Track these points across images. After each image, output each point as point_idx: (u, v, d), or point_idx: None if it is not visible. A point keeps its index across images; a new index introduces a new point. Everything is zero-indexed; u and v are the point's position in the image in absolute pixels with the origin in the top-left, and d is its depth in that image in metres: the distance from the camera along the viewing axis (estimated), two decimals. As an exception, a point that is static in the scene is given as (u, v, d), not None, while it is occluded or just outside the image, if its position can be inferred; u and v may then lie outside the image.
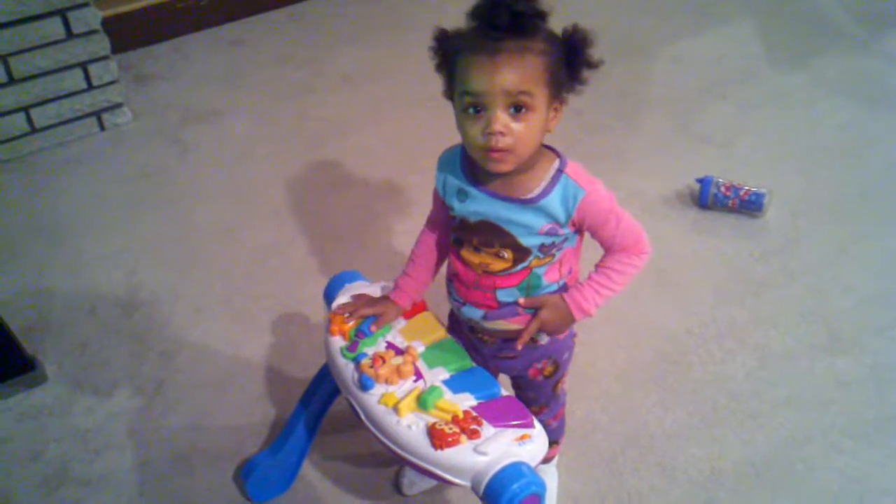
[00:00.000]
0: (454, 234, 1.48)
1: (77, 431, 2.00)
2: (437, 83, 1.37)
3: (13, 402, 2.05)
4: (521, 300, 1.45)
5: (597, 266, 1.45)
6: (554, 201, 1.35)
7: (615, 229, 1.40)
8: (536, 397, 1.65)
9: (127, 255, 2.42)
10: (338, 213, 2.55)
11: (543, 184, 1.35)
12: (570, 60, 1.29)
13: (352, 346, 1.53)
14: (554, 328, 1.47)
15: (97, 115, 2.84)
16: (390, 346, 1.53)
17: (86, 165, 2.73)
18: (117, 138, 2.84)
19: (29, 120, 2.73)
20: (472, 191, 1.39)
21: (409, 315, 1.61)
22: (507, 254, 1.41)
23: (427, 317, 1.61)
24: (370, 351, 1.51)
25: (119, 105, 2.86)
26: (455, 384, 1.47)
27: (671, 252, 2.40)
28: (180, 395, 2.07)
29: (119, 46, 3.00)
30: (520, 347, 1.47)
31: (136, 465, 1.92)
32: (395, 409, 1.42)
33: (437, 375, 1.48)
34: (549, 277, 1.44)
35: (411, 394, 1.44)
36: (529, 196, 1.36)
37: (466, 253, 1.45)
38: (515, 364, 1.57)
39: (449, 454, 1.36)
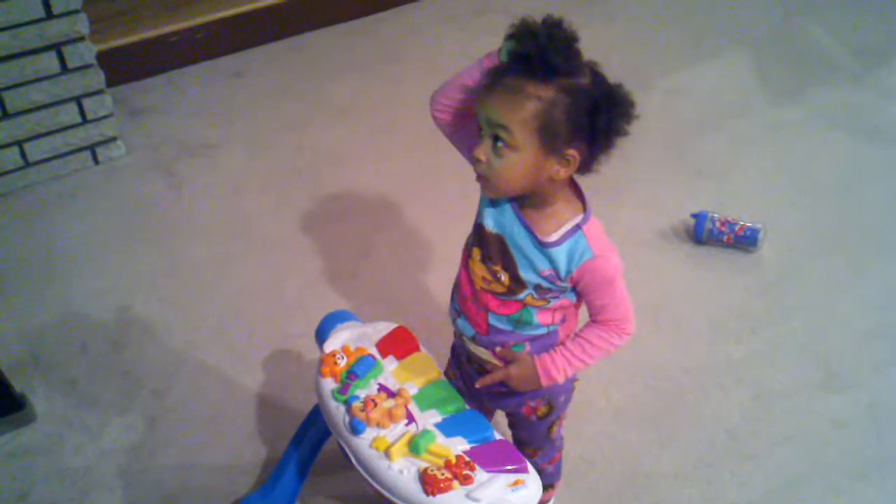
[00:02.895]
0: (470, 238, 1.47)
1: (65, 471, 1.97)
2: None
3: (1, 441, 2.03)
4: (498, 349, 1.47)
5: (576, 334, 1.45)
6: (561, 253, 1.35)
7: (607, 300, 1.40)
8: (530, 439, 1.64)
9: (119, 290, 2.40)
10: (332, 248, 2.53)
11: (561, 232, 1.35)
12: (591, 121, 1.27)
13: (343, 389, 1.51)
14: (518, 385, 1.48)
15: (91, 149, 2.82)
16: (382, 388, 1.51)
17: (79, 199, 2.71)
18: (111, 172, 2.83)
19: (23, 154, 2.71)
20: (506, 204, 1.38)
21: (401, 355, 1.59)
22: (505, 278, 1.41)
23: (420, 357, 1.59)
24: (362, 394, 1.50)
25: (113, 139, 2.85)
26: (448, 427, 1.46)
27: (666, 288, 2.39)
28: (171, 433, 2.05)
29: (114, 80, 2.99)
30: (478, 386, 1.50)
31: (125, 507, 1.90)
32: (387, 453, 1.40)
33: (430, 418, 1.47)
34: (542, 319, 1.43)
35: (403, 438, 1.43)
36: (544, 239, 1.35)
37: (472, 261, 1.45)
38: (508, 401, 1.56)
39: (441, 500, 1.34)
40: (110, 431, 2.06)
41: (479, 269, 1.44)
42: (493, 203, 1.40)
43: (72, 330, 2.30)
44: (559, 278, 1.37)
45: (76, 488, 1.94)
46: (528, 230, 1.37)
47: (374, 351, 1.58)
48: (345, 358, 1.56)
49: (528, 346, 1.46)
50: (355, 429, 1.44)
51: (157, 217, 2.66)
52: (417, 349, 1.61)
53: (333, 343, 1.60)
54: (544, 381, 1.45)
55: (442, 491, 1.35)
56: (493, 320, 1.45)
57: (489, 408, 1.63)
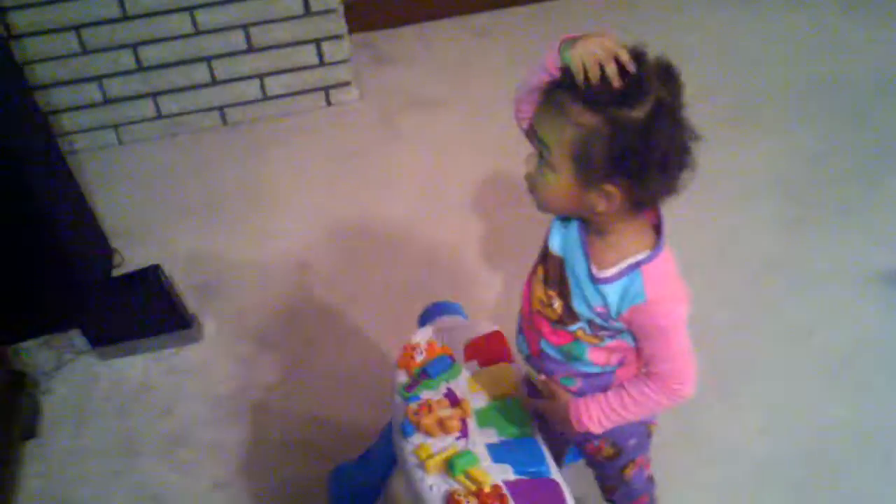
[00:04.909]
0: (539, 254, 1.36)
1: (210, 395, 2.10)
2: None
3: (166, 354, 2.20)
4: (540, 378, 1.37)
5: (623, 383, 1.27)
6: (614, 291, 1.20)
7: (657, 350, 1.23)
8: (604, 478, 1.49)
9: (309, 234, 2.49)
10: (512, 228, 2.44)
11: (619, 267, 1.20)
12: (635, 159, 1.10)
13: (411, 385, 1.46)
14: (552, 422, 1.36)
15: (325, 90, 2.93)
16: (449, 394, 1.44)
17: (303, 138, 2.84)
18: (339, 115, 2.92)
19: (262, 87, 2.88)
20: (574, 223, 1.26)
21: (486, 362, 1.50)
22: (558, 306, 1.28)
23: (505, 369, 1.49)
24: (425, 395, 1.43)
25: (347, 83, 2.94)
26: (500, 452, 1.36)
27: (864, 336, 2.07)
28: (307, 383, 2.10)
29: (364, 25, 3.09)
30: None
31: (246, 442, 1.99)
32: (425, 464, 1.33)
33: (484, 437, 1.38)
34: (594, 358, 1.29)
35: (446, 452, 1.35)
36: (600, 272, 1.21)
37: (535, 280, 1.34)
38: (568, 435, 1.42)
39: (458, 533, 1.26)
40: (261, 367, 2.15)
41: (538, 290, 1.31)
42: (563, 220, 1.26)
43: (255, 263, 2.42)
44: (610, 317, 1.22)
45: (213, 413, 2.06)
46: (587, 259, 1.22)
47: (458, 351, 1.51)
48: (423, 353, 1.50)
49: (579, 382, 1.33)
50: (404, 431, 1.38)
51: (366, 166, 2.72)
52: (506, 360, 1.51)
53: (422, 334, 1.54)
54: (576, 427, 1.31)
55: (462, 511, 1.26)
56: (544, 346, 1.33)
57: (560, 441, 1.50)
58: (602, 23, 3.16)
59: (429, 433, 1.37)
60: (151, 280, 2.16)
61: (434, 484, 1.32)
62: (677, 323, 1.21)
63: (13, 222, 2.02)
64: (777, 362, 2.04)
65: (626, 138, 1.08)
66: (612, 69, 1.07)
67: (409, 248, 2.42)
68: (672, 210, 1.20)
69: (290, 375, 2.13)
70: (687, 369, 1.24)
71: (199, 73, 2.81)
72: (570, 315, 1.27)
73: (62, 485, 1.93)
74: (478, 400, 1.43)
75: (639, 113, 1.07)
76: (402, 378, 1.48)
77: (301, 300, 2.32)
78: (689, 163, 1.13)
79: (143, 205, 2.63)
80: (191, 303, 2.28)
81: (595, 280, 1.21)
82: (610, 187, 1.12)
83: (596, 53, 1.08)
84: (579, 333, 1.28)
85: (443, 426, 1.37)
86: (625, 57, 1.08)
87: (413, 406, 1.40)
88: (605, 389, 1.31)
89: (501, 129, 2.73)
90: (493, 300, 2.21)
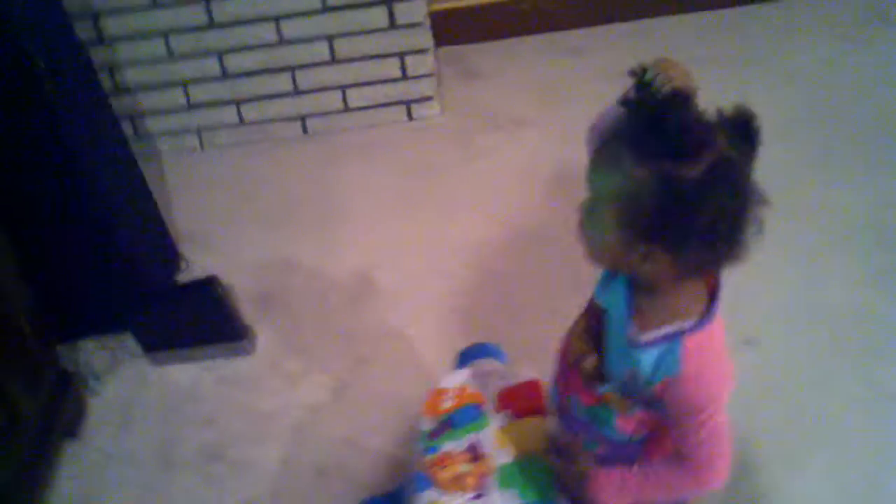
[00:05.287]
0: (586, 303, 1.26)
1: (253, 411, 2.06)
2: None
3: (217, 364, 2.18)
4: (564, 439, 1.27)
5: (649, 461, 1.16)
6: (649, 358, 1.09)
7: (689, 432, 1.11)
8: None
9: (375, 250, 2.44)
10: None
11: (659, 333, 1.09)
12: (681, 221, 0.99)
13: (434, 433, 1.38)
14: (566, 486, 1.26)
15: (407, 104, 2.88)
16: (472, 447, 1.35)
17: (381, 151, 2.79)
18: (420, 130, 2.87)
19: (344, 98, 2.85)
20: (623, 282, 1.15)
21: (520, 414, 1.41)
22: (591, 362, 1.18)
23: (538, 422, 1.40)
24: (447, 447, 1.35)
25: (429, 98, 2.88)
26: (511, 522, 1.26)
27: None
28: (354, 406, 2.05)
29: (451, 39, 3.02)
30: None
31: (282, 463, 1.95)
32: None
33: (504, 499, 1.29)
34: (622, 426, 1.18)
35: (458, 517, 1.26)
36: (636, 334, 1.11)
37: (576, 330, 1.25)
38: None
39: None
40: (307, 386, 2.11)
41: (577, 341, 1.22)
42: (605, 283, 1.16)
43: (320, 276, 2.39)
44: (642, 385, 1.10)
45: (253, 429, 2.02)
46: (629, 318, 1.11)
47: (490, 400, 1.42)
48: (453, 400, 1.42)
49: (603, 448, 1.22)
50: (417, 484, 1.31)
51: (441, 184, 2.65)
52: (542, 412, 1.41)
53: (453, 379, 1.47)
54: (592, 499, 1.20)
55: None
56: (573, 403, 1.23)
57: None
58: (707, 43, 3.01)
59: (444, 488, 1.30)
60: (208, 290, 2.14)
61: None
62: (714, 404, 1.09)
63: (78, 222, 2.03)
64: (857, 429, 1.87)
65: (673, 199, 0.97)
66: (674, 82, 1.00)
67: (474, 275, 2.34)
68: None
69: (336, 397, 2.07)
70: (720, 457, 1.12)
71: (283, 82, 2.80)
72: (600, 374, 1.17)
73: (94, 490, 1.93)
74: (504, 456, 1.34)
75: (692, 171, 0.95)
76: (427, 425, 1.40)
77: (360, 318, 2.26)
78: (745, 233, 1.01)
79: (217, 211, 2.63)
80: (249, 313, 2.26)
81: (631, 342, 1.11)
82: (652, 250, 1.02)
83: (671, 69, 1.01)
84: (608, 397, 1.17)
85: (459, 483, 1.30)
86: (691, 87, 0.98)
87: (430, 458, 1.33)
88: (630, 461, 1.20)
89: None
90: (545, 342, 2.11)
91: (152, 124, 2.85)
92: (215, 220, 2.58)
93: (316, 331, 2.25)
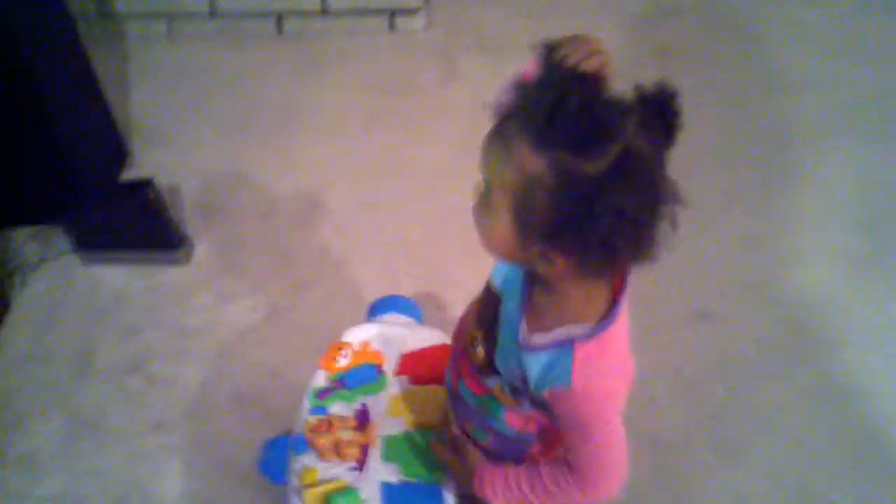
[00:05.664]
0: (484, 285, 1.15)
1: (178, 325, 1.99)
2: None
3: (149, 271, 2.09)
4: (452, 429, 1.19)
5: (538, 463, 1.07)
6: (537, 363, 0.99)
7: (579, 443, 1.02)
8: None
9: (329, 170, 2.33)
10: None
11: (550, 337, 0.99)
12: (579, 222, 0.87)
13: (323, 392, 1.30)
14: (453, 479, 1.19)
15: (391, 14, 2.72)
16: (360, 413, 1.27)
17: (355, 64, 2.65)
18: (401, 44, 2.71)
19: (324, 1, 2.68)
20: (516, 272, 1.05)
21: (420, 380, 1.32)
22: (480, 352, 1.08)
23: (439, 393, 1.31)
24: (334, 408, 1.27)
25: (415, 10, 2.71)
26: (395, 495, 1.19)
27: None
28: (282, 333, 1.97)
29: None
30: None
31: (201, 385, 1.88)
32: (302, 492, 1.18)
33: (384, 474, 1.21)
34: (511, 421, 1.10)
35: (332, 483, 1.19)
36: (526, 336, 1.01)
37: (468, 313, 1.16)
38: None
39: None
40: (238, 306, 2.03)
41: (470, 325, 1.12)
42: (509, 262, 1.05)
43: (267, 192, 2.28)
44: (529, 389, 1.01)
45: (176, 345, 1.95)
46: (521, 314, 1.01)
47: (391, 362, 1.33)
48: (350, 357, 1.33)
49: (491, 439, 1.14)
50: (295, 446, 1.23)
51: (412, 106, 2.52)
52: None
53: (355, 334, 1.38)
54: (477, 492, 1.13)
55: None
56: (462, 388, 1.14)
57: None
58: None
59: (321, 456, 1.22)
60: (146, 193, 2.04)
61: (308, 516, 1.16)
62: (606, 417, 1.00)
63: (11, 102, 1.91)
64: (798, 421, 1.79)
65: (571, 197, 0.85)
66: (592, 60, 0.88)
67: (427, 207, 2.23)
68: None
69: (266, 321, 1.99)
70: (609, 472, 1.03)
71: (261, -26, 2.63)
72: (490, 367, 1.07)
73: (6, 388, 1.86)
74: (393, 425, 1.26)
75: (594, 167, 0.83)
76: (319, 381, 1.32)
77: (304, 241, 2.17)
78: (654, 233, 0.89)
79: (175, 107, 2.51)
80: (191, 221, 2.17)
81: (521, 343, 1.00)
82: (549, 251, 0.90)
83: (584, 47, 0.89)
84: (496, 390, 1.08)
85: (338, 451, 1.22)
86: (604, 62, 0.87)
87: (312, 420, 1.25)
88: (519, 455, 1.12)
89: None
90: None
91: (119, 3, 2.68)
92: (172, 118, 2.46)
93: (256, 249, 2.15)
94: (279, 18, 2.72)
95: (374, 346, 1.35)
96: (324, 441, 1.22)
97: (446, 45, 2.70)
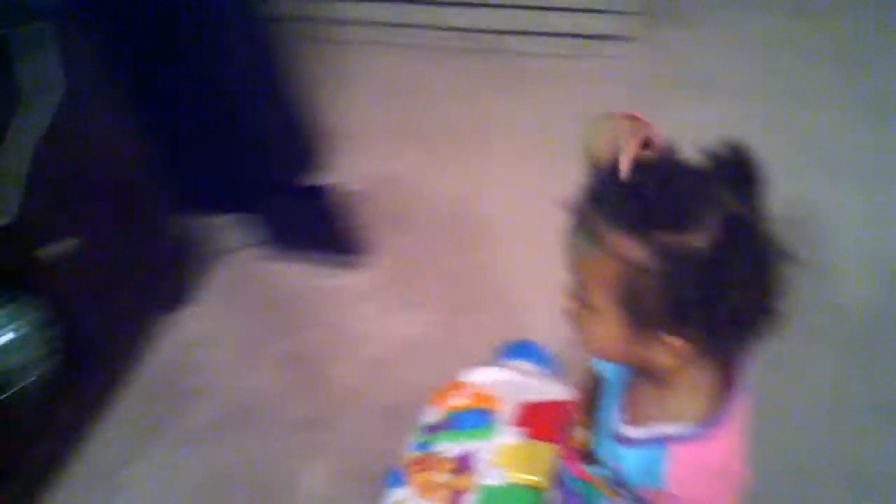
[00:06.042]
0: None
1: (343, 331, 2.06)
2: None
3: (324, 273, 2.17)
4: None
5: None
6: (632, 458, 0.94)
7: None
8: None
9: (517, 193, 2.30)
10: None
11: (644, 432, 0.94)
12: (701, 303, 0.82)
13: (432, 428, 1.31)
14: None
15: (597, 39, 2.68)
16: (462, 457, 1.26)
17: (555, 86, 2.62)
18: (600, 71, 2.64)
19: (537, 20, 2.69)
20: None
21: (538, 435, 1.29)
22: (581, 437, 1.05)
23: (548, 451, 1.28)
24: (437, 447, 1.28)
25: (623, 38, 2.66)
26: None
27: None
28: (438, 354, 1.96)
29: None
30: None
31: (354, 390, 1.93)
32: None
33: (470, 523, 1.20)
34: None
35: (418, 527, 1.20)
36: (623, 427, 0.96)
37: (580, 385, 1.11)
38: None
39: None
40: (400, 318, 2.06)
41: (576, 404, 1.08)
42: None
43: (449, 208, 2.32)
44: (629, 483, 0.97)
45: (338, 348, 2.01)
46: (619, 404, 0.97)
47: (508, 410, 1.32)
48: (466, 398, 1.33)
49: None
50: (391, 478, 1.25)
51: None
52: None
53: (478, 375, 1.37)
54: None
55: None
56: (564, 466, 1.10)
57: None
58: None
59: (415, 492, 1.23)
60: (329, 197, 2.14)
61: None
62: None
63: (210, 98, 2.04)
64: None
65: (683, 277, 0.80)
66: (626, 156, 0.82)
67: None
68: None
69: (425, 339, 2.02)
70: None
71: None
72: (591, 454, 1.03)
73: (179, 368, 2.00)
74: (495, 476, 1.24)
75: (699, 239, 0.79)
76: (429, 417, 1.33)
77: (476, 263, 2.18)
78: (778, 298, 0.84)
79: (370, 116, 2.58)
80: (374, 231, 2.21)
81: (616, 435, 0.96)
82: (671, 338, 0.85)
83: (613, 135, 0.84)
84: (597, 480, 1.04)
85: (431, 491, 1.22)
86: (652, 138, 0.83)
87: (413, 455, 1.26)
88: None
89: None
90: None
91: (321, 9, 2.79)
92: (367, 126, 2.53)
93: (430, 265, 2.19)
94: (482, 33, 2.74)
95: (494, 390, 1.34)
96: (419, 478, 1.23)
97: (646, 76, 2.63)
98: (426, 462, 1.24)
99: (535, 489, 1.23)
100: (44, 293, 1.73)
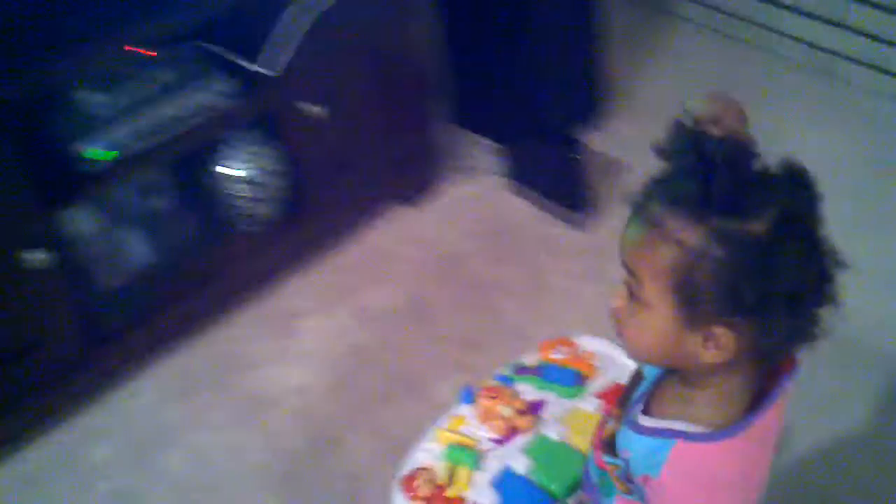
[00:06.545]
0: None
1: (542, 285, 2.12)
2: None
3: (549, 220, 2.25)
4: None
5: None
6: (639, 445, 0.95)
7: None
8: None
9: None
10: None
11: (661, 423, 0.94)
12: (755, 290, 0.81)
13: (522, 370, 1.36)
14: None
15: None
16: (533, 403, 1.31)
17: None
18: None
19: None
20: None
21: (610, 412, 1.31)
22: (610, 428, 1.06)
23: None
24: (518, 386, 1.33)
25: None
26: (507, 482, 1.23)
27: None
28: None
29: None
30: None
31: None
32: (439, 430, 1.29)
33: (512, 460, 1.25)
34: None
35: (466, 440, 1.27)
36: (638, 417, 0.97)
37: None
38: None
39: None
40: (593, 288, 2.08)
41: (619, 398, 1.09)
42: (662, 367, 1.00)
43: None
44: (630, 471, 0.97)
45: (533, 303, 2.08)
46: (648, 394, 0.97)
47: (597, 383, 1.33)
48: (566, 356, 1.37)
49: None
50: (463, 394, 1.33)
51: None
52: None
53: (588, 342, 1.39)
54: None
55: (409, 496, 1.21)
56: (590, 455, 1.10)
57: None
58: None
59: (479, 417, 1.29)
60: (571, 149, 2.21)
61: (430, 450, 1.27)
62: None
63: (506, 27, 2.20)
64: None
65: (745, 261, 0.80)
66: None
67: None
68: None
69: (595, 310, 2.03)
70: None
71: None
72: (612, 445, 1.04)
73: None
74: (555, 431, 1.28)
75: (758, 226, 0.80)
76: (526, 359, 1.38)
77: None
78: (828, 297, 0.84)
79: (670, 95, 2.52)
80: (610, 200, 2.23)
81: (631, 422, 0.97)
82: (721, 330, 0.85)
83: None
84: (610, 469, 1.04)
85: (490, 419, 1.28)
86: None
87: (491, 383, 1.33)
88: None
89: None
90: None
91: None
92: (655, 101, 2.51)
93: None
94: (813, 49, 2.59)
95: (595, 359, 1.35)
96: (486, 403, 1.29)
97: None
98: (499, 392, 1.30)
99: (582, 456, 1.24)
100: (288, 147, 1.97)
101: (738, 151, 0.83)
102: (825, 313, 0.84)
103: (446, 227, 2.26)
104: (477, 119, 2.41)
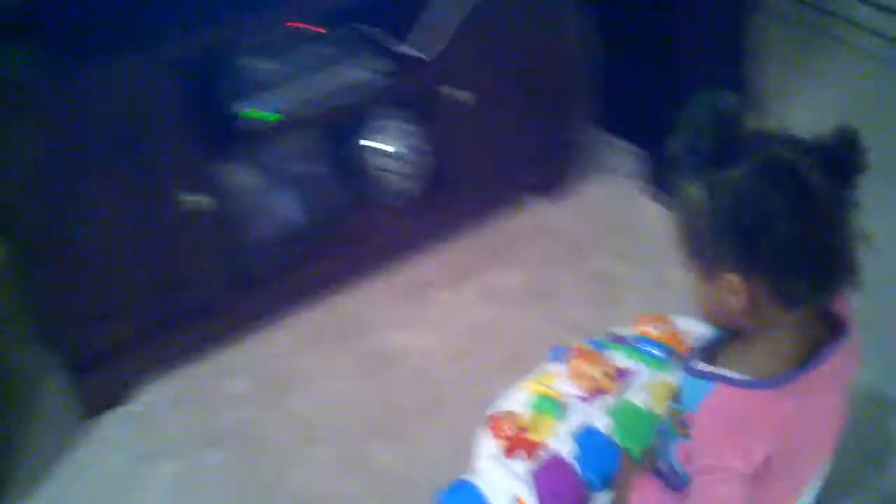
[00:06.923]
0: None
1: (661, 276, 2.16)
2: None
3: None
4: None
5: None
6: (688, 385, 1.04)
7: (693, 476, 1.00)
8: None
9: None
10: None
11: (708, 369, 1.01)
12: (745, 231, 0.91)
13: (619, 339, 1.43)
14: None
15: None
16: (623, 370, 1.37)
17: None
18: None
19: None
20: None
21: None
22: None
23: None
24: (610, 353, 1.39)
25: None
26: (587, 437, 1.30)
27: None
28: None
29: None
30: None
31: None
32: (531, 381, 1.37)
33: (593, 419, 1.32)
34: (677, 453, 1.09)
35: (554, 394, 1.35)
36: (691, 361, 1.05)
37: None
38: None
39: (481, 439, 1.31)
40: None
41: None
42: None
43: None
44: (683, 410, 1.04)
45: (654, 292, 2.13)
46: (708, 345, 1.05)
47: (693, 362, 1.38)
48: (662, 333, 1.42)
49: (662, 466, 1.15)
50: (554, 352, 1.40)
51: None
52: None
53: (683, 322, 1.43)
54: (619, 488, 1.21)
55: (493, 434, 1.30)
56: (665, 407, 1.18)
57: None
58: None
59: (570, 376, 1.36)
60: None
61: (517, 393, 1.35)
62: (708, 461, 0.97)
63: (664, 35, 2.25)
64: None
65: (726, 201, 0.89)
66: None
67: None
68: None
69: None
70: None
71: None
72: (679, 393, 1.11)
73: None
74: (639, 398, 1.34)
75: (736, 171, 0.89)
76: (625, 331, 1.45)
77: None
78: (838, 256, 0.91)
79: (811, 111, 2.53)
80: None
81: (686, 365, 1.06)
82: (732, 276, 0.92)
83: None
84: (673, 413, 1.11)
85: (579, 378, 1.35)
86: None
87: (584, 346, 1.39)
88: (669, 487, 1.13)
89: None
90: None
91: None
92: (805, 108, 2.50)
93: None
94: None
95: (689, 338, 1.39)
96: (576, 363, 1.36)
97: None
98: (591, 356, 1.37)
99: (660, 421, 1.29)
100: (434, 128, 2.10)
101: (725, 112, 0.91)
102: (851, 261, 0.89)
103: (578, 221, 2.32)
104: (622, 123, 2.46)
